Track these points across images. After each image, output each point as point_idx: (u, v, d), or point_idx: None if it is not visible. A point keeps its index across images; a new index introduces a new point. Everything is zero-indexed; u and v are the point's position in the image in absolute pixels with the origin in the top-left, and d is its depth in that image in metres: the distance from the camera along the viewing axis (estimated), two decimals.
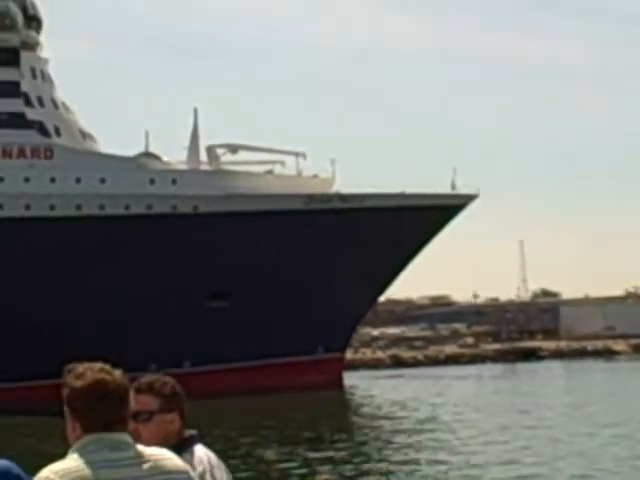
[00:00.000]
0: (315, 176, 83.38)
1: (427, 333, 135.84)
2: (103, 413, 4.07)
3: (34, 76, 77.82)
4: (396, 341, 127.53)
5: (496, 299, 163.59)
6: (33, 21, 78.96)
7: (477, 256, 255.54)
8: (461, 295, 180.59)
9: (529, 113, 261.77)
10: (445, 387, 78.06)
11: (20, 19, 77.18)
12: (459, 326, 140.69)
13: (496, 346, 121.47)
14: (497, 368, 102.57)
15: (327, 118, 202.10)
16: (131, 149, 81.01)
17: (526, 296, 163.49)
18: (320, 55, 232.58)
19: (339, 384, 79.70)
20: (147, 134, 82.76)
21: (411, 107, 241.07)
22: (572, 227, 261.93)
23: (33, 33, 79.07)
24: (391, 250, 78.43)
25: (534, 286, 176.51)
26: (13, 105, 76.02)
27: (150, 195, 75.69)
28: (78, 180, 74.96)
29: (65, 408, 4.21)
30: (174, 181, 77.49)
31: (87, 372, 4.18)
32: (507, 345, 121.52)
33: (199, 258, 73.23)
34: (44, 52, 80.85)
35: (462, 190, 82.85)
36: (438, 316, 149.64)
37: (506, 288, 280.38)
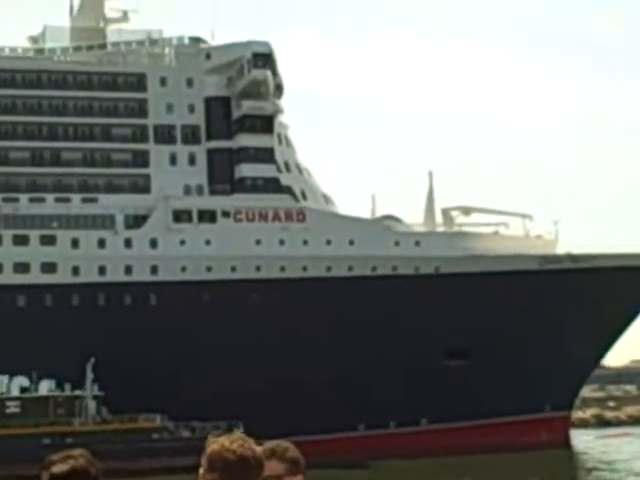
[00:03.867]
0: (539, 237, 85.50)
1: (604, 394, 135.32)
2: None
3: (280, 142, 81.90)
4: (586, 401, 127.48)
5: None
6: (278, 89, 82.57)
7: None
8: None
9: None
10: None
11: (273, 87, 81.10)
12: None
13: None
14: None
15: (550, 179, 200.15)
16: (351, 210, 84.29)
17: None
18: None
19: (566, 443, 79.89)
20: (374, 197, 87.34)
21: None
22: None
23: (278, 100, 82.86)
24: (617, 310, 79.38)
25: None
26: (268, 171, 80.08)
27: (395, 257, 78.42)
28: (329, 242, 78.35)
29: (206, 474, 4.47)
30: (417, 243, 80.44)
31: (224, 444, 4.46)
32: None
33: (439, 317, 75.35)
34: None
35: None
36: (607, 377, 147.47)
37: None
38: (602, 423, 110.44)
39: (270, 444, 5.10)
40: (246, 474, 4.30)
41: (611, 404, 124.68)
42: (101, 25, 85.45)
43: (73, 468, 4.98)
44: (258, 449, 4.50)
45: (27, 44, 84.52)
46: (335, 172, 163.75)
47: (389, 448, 70.41)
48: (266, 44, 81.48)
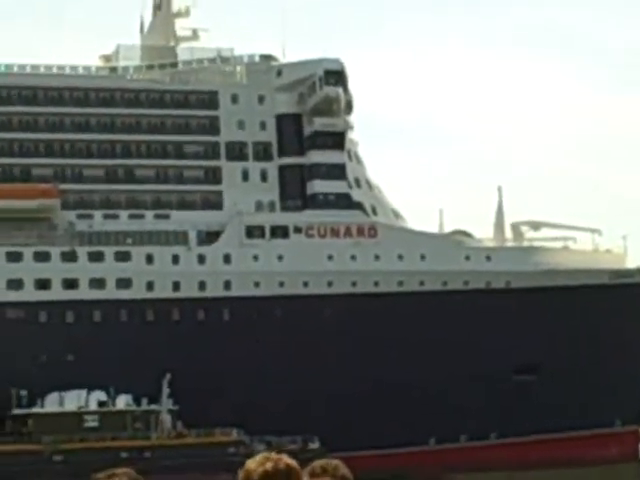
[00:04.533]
0: (609, 251, 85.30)
1: None
2: None
3: (350, 158, 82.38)
4: None
5: None
6: (348, 106, 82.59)
7: None
8: None
9: None
10: None
11: (344, 105, 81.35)
12: None
13: None
14: None
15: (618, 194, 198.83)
16: (419, 225, 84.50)
17: None
18: None
19: (636, 457, 78.49)
20: (441, 212, 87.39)
21: None
22: None
23: (348, 117, 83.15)
24: None
25: None
26: (340, 187, 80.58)
27: (466, 272, 78.85)
28: (400, 257, 78.76)
29: None
30: (488, 258, 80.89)
31: (258, 462, 4.52)
32: None
33: (509, 332, 75.56)
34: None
35: None
36: None
37: None
38: None
39: (320, 462, 5.13)
40: None
41: None
42: (172, 43, 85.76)
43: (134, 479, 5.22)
44: (294, 463, 4.54)
45: (100, 63, 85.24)
46: (402, 188, 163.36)
47: (460, 462, 71.06)
48: (338, 61, 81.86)
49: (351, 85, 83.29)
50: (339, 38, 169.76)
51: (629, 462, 74.76)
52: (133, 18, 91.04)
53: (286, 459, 4.51)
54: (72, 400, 71.15)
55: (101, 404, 71.53)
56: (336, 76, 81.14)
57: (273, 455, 4.51)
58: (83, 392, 71.05)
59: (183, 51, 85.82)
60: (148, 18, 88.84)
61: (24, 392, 70.61)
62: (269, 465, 4.38)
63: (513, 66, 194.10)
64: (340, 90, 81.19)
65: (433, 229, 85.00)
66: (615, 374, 77.85)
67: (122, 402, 71.65)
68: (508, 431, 76.64)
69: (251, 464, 4.46)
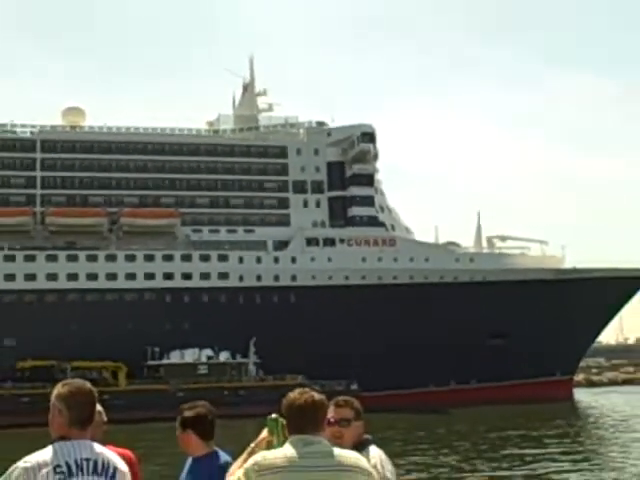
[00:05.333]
0: (552, 256, 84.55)
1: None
2: (303, 422, 4.03)
3: (377, 192, 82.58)
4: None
5: None
6: (375, 156, 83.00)
7: None
8: None
9: None
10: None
11: (373, 155, 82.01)
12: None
13: None
14: None
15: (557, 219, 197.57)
16: (420, 237, 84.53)
17: None
18: None
19: (570, 397, 78.81)
20: (436, 228, 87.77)
21: None
22: None
23: (375, 164, 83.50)
24: (597, 310, 79.38)
25: None
26: (370, 211, 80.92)
27: (456, 270, 78.79)
28: (411, 259, 78.86)
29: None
30: (471, 260, 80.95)
31: (297, 394, 4.16)
32: None
33: (485, 310, 74.82)
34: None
35: None
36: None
37: None
38: (591, 384, 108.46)
39: (343, 397, 4.93)
40: (315, 414, 4.04)
41: (594, 371, 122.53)
42: (255, 113, 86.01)
43: (197, 413, 5.27)
44: (320, 396, 4.19)
45: (206, 126, 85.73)
46: (410, 212, 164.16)
47: (451, 399, 70.07)
48: (370, 126, 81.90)
49: (378, 142, 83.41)
50: (371, 108, 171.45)
51: (565, 400, 73.92)
52: (228, 96, 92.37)
53: (316, 393, 4.19)
54: (189, 355, 71.31)
55: (209, 358, 71.68)
56: (369, 136, 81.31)
57: (307, 389, 4.23)
58: (197, 350, 71.31)
59: (263, 118, 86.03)
60: (238, 96, 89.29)
61: (156, 349, 70.94)
62: (306, 396, 4.11)
63: (493, 136, 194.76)
64: (371, 146, 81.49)
65: (432, 240, 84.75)
66: (557, 341, 77.59)
67: (223, 357, 71.80)
68: (484, 378, 76.13)
69: (292, 395, 4.16)
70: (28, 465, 3.63)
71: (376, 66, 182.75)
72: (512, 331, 75.96)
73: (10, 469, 3.67)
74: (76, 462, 3.67)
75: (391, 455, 4.93)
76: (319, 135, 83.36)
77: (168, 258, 75.53)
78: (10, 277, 71.78)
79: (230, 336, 69.58)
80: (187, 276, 75.27)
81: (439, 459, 33.97)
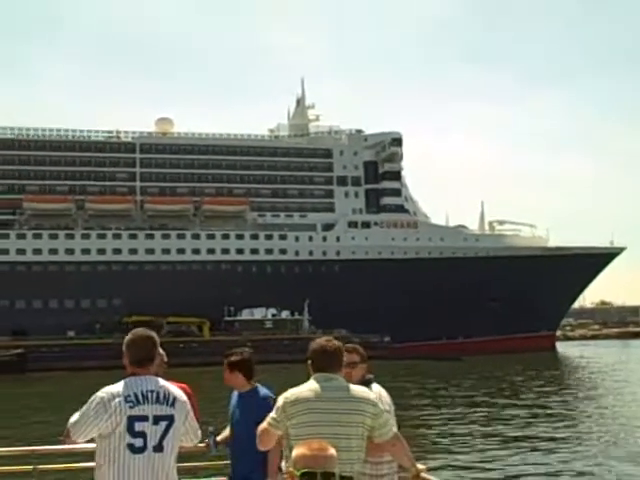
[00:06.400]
0: (539, 237, 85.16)
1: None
2: (325, 363, 3.81)
3: (402, 185, 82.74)
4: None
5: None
6: (401, 157, 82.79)
7: None
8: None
9: None
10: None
11: (400, 156, 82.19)
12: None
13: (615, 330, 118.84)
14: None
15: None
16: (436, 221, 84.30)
17: None
18: None
19: (553, 349, 78.79)
20: (447, 214, 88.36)
21: None
22: None
23: (401, 163, 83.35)
24: (575, 280, 79.37)
25: None
26: (398, 201, 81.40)
27: (464, 247, 79.46)
28: (430, 239, 79.41)
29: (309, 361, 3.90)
30: (477, 239, 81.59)
31: (321, 341, 3.95)
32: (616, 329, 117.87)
33: (487, 279, 74.70)
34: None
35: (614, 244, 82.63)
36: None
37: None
38: (567, 338, 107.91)
39: (351, 344, 4.69)
40: (335, 357, 3.85)
41: (567, 328, 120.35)
42: (306, 122, 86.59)
43: (242, 357, 5.02)
44: (339, 343, 3.99)
45: (268, 132, 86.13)
46: (427, 201, 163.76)
47: (460, 349, 69.54)
48: (399, 133, 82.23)
49: (405, 146, 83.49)
50: (398, 115, 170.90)
51: (548, 351, 73.74)
52: (284, 108, 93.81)
53: (335, 340, 4.00)
54: (258, 313, 71.67)
55: (273, 315, 71.96)
56: (398, 141, 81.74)
57: (329, 337, 4.02)
58: (264, 309, 71.97)
59: (312, 126, 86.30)
60: (292, 109, 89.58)
61: (232, 308, 71.60)
62: (328, 343, 3.92)
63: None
64: (399, 149, 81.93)
65: (443, 222, 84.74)
66: (544, 303, 77.73)
67: (284, 314, 72.27)
68: (485, 334, 75.90)
69: (316, 341, 3.99)
70: (104, 395, 3.54)
71: (395, 80, 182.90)
72: (507, 295, 76.11)
73: (91, 398, 3.57)
74: (142, 393, 3.56)
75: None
76: (358, 140, 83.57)
77: (240, 237, 76.25)
78: (117, 251, 73.86)
79: (289, 298, 70.22)
80: (255, 251, 76.02)
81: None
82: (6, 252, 71.39)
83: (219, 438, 5.15)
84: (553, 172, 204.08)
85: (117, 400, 3.52)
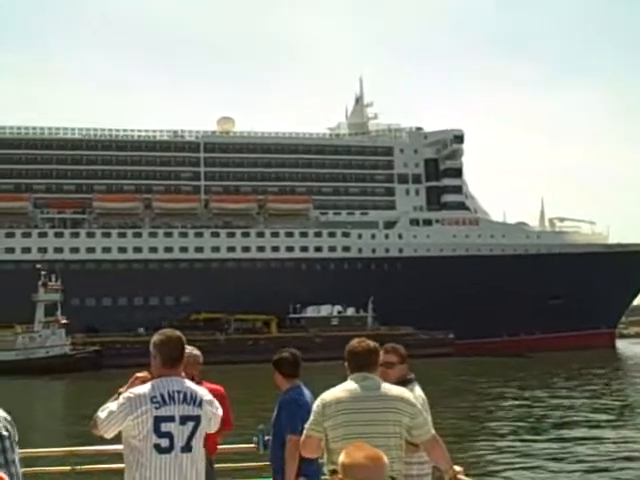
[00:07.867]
0: (599, 234, 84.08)
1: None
2: (360, 363, 3.79)
3: (463, 182, 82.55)
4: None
5: None
6: (462, 154, 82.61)
7: None
8: None
9: None
10: None
11: (461, 154, 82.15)
12: None
13: None
14: None
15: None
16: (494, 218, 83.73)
17: None
18: None
19: (613, 346, 78.40)
20: (504, 212, 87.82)
21: None
22: None
23: (462, 160, 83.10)
24: (636, 277, 78.51)
25: None
26: (459, 198, 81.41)
27: (526, 244, 79.09)
28: (492, 236, 79.30)
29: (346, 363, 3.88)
30: (538, 236, 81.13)
31: (357, 342, 3.91)
32: None
33: (548, 275, 73.99)
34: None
35: None
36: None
37: None
38: (622, 336, 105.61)
39: (390, 344, 4.70)
40: (369, 357, 3.82)
41: (621, 326, 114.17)
42: (365, 120, 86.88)
43: (280, 357, 4.99)
44: (374, 344, 3.95)
45: (328, 131, 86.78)
46: (486, 198, 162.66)
47: (521, 346, 69.00)
48: (460, 130, 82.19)
49: (465, 143, 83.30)
50: (460, 112, 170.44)
51: (608, 348, 73.24)
52: (342, 107, 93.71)
53: (371, 341, 3.96)
54: (324, 310, 71.93)
55: (339, 312, 72.22)
56: (459, 139, 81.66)
57: (364, 339, 3.96)
58: (329, 306, 71.87)
59: (371, 125, 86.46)
60: (350, 107, 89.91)
61: (298, 305, 71.57)
62: (364, 344, 3.88)
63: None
64: (461, 146, 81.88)
65: (501, 219, 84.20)
66: (604, 300, 76.93)
67: (349, 311, 72.43)
68: (546, 330, 75.14)
69: (353, 342, 3.94)
70: (131, 396, 3.55)
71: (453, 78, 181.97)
72: (568, 293, 75.65)
73: (119, 399, 3.57)
74: (169, 393, 3.56)
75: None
76: (418, 137, 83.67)
77: (304, 235, 76.88)
78: (184, 250, 74.75)
79: (352, 295, 70.32)
80: (318, 249, 76.54)
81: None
82: (77, 250, 72.89)
83: (267, 437, 5.13)
84: (610, 167, 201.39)
85: (143, 401, 3.52)
